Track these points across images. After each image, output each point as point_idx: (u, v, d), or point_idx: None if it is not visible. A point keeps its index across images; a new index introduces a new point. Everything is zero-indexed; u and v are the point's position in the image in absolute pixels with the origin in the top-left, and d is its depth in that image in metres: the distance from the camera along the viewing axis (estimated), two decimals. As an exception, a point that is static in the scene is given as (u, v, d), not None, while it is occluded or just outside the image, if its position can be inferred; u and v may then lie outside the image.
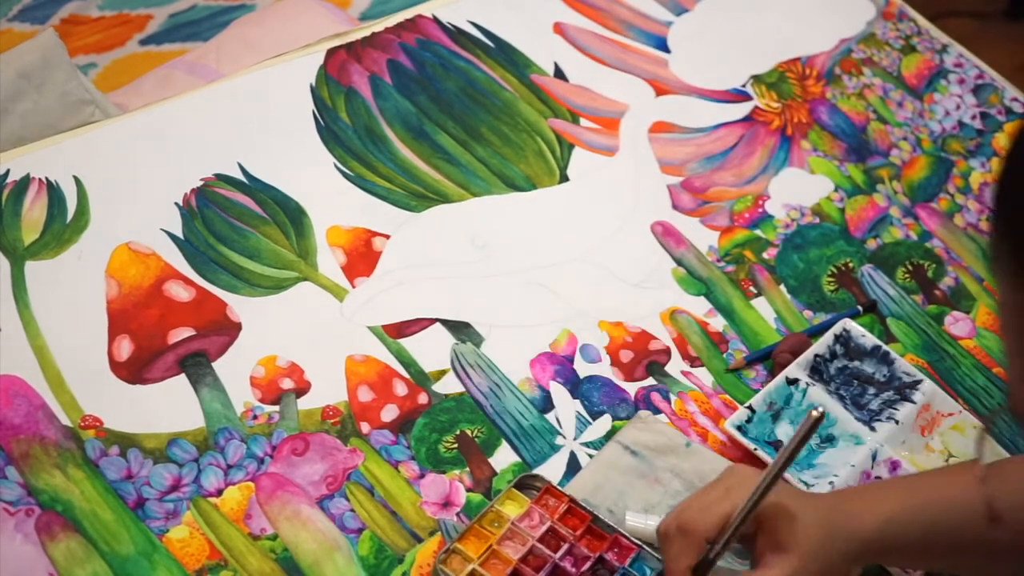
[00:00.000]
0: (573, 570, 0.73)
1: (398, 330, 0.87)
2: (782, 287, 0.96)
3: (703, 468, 0.80)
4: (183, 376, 0.82)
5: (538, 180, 0.99)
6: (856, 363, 0.87)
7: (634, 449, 0.81)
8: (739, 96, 1.10)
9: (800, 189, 1.03)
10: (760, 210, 1.01)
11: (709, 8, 1.18)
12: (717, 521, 0.66)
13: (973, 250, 1.01)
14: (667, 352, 0.89)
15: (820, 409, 0.63)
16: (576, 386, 0.86)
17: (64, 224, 0.88)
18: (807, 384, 0.85)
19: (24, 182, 0.90)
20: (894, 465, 0.81)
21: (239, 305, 0.86)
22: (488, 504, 0.76)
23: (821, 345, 0.87)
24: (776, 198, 1.02)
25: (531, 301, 0.91)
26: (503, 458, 0.81)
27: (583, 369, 0.87)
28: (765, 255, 0.97)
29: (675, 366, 0.88)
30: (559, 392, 0.85)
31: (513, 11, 1.12)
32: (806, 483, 0.80)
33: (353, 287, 0.89)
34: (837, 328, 0.88)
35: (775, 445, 0.82)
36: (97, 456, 0.77)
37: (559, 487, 0.77)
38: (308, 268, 0.90)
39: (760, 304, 0.94)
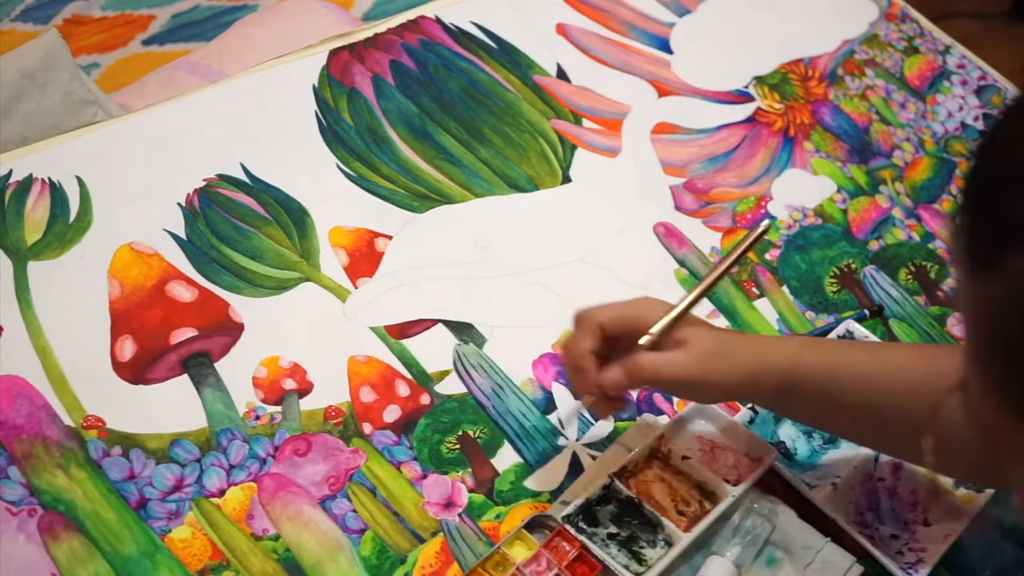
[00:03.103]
0: None
1: (400, 331, 0.87)
2: (784, 288, 0.95)
3: (705, 469, 0.80)
4: (185, 376, 0.82)
5: (540, 181, 0.99)
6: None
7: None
8: (741, 97, 1.10)
9: (802, 190, 1.03)
10: (762, 211, 1.01)
11: (711, 9, 1.18)
12: (613, 315, 0.73)
13: (976, 251, 1.01)
14: (669, 353, 0.89)
15: (767, 222, 0.73)
16: (578, 387, 0.86)
17: (67, 224, 0.89)
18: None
19: (27, 182, 0.90)
20: (896, 466, 0.81)
21: (242, 306, 0.86)
22: (495, 546, 0.74)
23: (823, 346, 0.87)
24: (778, 199, 1.02)
25: (533, 302, 0.91)
26: (505, 459, 0.81)
27: (585, 370, 0.87)
28: (767, 256, 0.97)
29: (677, 367, 0.88)
30: (562, 393, 0.85)
31: (515, 12, 1.12)
32: (808, 483, 0.80)
33: (355, 288, 0.89)
34: (840, 329, 0.88)
35: (778, 446, 0.82)
36: (99, 456, 0.77)
37: (571, 529, 0.74)
38: (310, 269, 0.90)
39: (762, 305, 0.94)
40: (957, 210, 0.43)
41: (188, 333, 0.84)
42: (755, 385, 0.73)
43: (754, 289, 0.95)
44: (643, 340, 0.72)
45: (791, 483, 0.80)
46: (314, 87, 1.02)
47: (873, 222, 1.02)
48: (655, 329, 0.72)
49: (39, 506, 0.74)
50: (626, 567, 0.73)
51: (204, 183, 0.93)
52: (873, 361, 0.72)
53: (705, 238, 0.98)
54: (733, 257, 0.75)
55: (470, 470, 0.80)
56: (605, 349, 0.73)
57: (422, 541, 0.76)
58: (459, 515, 0.77)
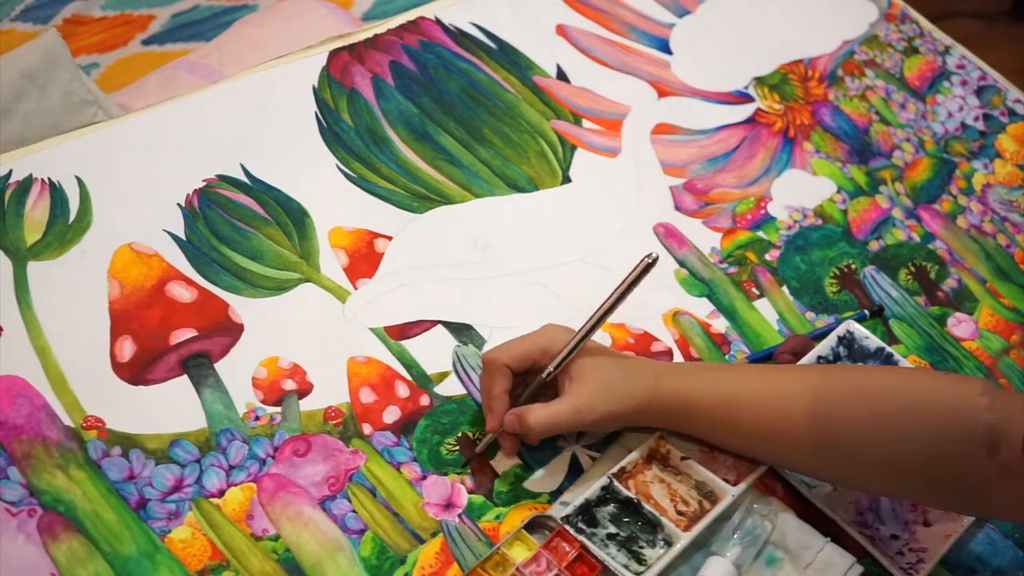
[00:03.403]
0: None
1: (400, 332, 0.87)
2: (784, 289, 0.95)
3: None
4: (185, 377, 0.82)
5: (540, 181, 1.00)
6: (859, 365, 0.87)
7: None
8: (741, 98, 1.10)
9: (802, 191, 1.03)
10: (762, 212, 1.01)
11: (711, 10, 1.18)
12: (515, 354, 0.77)
13: (976, 251, 1.01)
14: (669, 353, 0.89)
15: (654, 254, 0.74)
16: (578, 387, 0.86)
17: (66, 224, 0.89)
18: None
19: (27, 183, 0.90)
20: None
21: (241, 306, 0.86)
22: (495, 547, 0.74)
23: (824, 347, 0.87)
24: (778, 200, 1.02)
25: (533, 302, 0.91)
26: (505, 460, 0.81)
27: (585, 370, 0.87)
28: (767, 257, 0.97)
29: (677, 368, 0.88)
30: (561, 393, 0.85)
31: (515, 13, 1.12)
32: (808, 484, 0.80)
33: (355, 288, 0.89)
34: (840, 330, 0.88)
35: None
36: (99, 457, 0.77)
37: (570, 530, 0.75)
38: (310, 269, 0.90)
39: (762, 305, 0.94)
40: None
41: (188, 333, 0.84)
42: (648, 412, 0.77)
43: (754, 290, 0.95)
44: (542, 376, 0.78)
45: (791, 483, 0.80)
46: (314, 88, 1.02)
47: (873, 222, 1.02)
48: (551, 367, 0.77)
49: (39, 506, 0.74)
50: (626, 567, 0.73)
51: (204, 183, 0.93)
52: (764, 384, 0.77)
53: (705, 239, 0.98)
54: (620, 291, 0.77)
55: (469, 471, 0.80)
56: (518, 383, 0.79)
57: (422, 542, 0.76)
58: (459, 516, 0.77)
